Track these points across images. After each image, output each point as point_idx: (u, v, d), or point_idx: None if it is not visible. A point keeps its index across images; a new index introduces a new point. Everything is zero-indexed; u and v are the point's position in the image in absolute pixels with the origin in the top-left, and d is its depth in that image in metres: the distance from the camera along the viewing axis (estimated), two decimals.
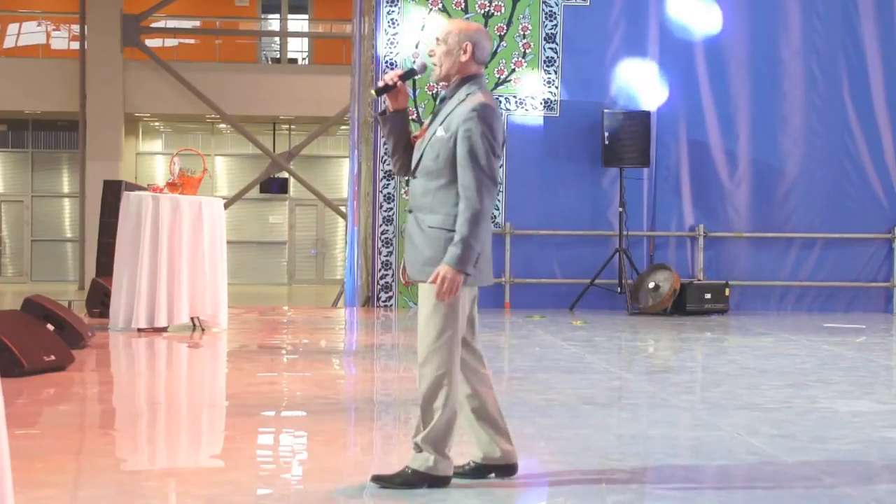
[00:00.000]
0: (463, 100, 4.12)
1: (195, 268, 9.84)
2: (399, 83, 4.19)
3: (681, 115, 13.37)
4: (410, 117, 4.28)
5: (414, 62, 4.28)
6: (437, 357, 4.07)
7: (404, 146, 4.27)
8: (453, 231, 4.05)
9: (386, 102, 4.26)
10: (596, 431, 5.41)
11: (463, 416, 4.24)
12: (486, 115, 4.05)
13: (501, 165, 13.13)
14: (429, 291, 4.10)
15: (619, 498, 4.12)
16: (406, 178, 4.28)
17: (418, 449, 4.12)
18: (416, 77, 4.34)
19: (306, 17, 25.90)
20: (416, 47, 13.03)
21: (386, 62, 13.09)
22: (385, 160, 13.04)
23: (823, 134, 13.43)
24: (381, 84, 4.22)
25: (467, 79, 4.17)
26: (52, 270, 24.70)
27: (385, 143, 4.39)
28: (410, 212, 4.20)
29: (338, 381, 7.65)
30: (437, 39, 4.20)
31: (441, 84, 4.24)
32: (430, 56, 4.23)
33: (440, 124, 4.14)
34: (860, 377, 7.53)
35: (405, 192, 13.00)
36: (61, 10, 24.39)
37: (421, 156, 4.16)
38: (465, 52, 4.15)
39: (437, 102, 4.26)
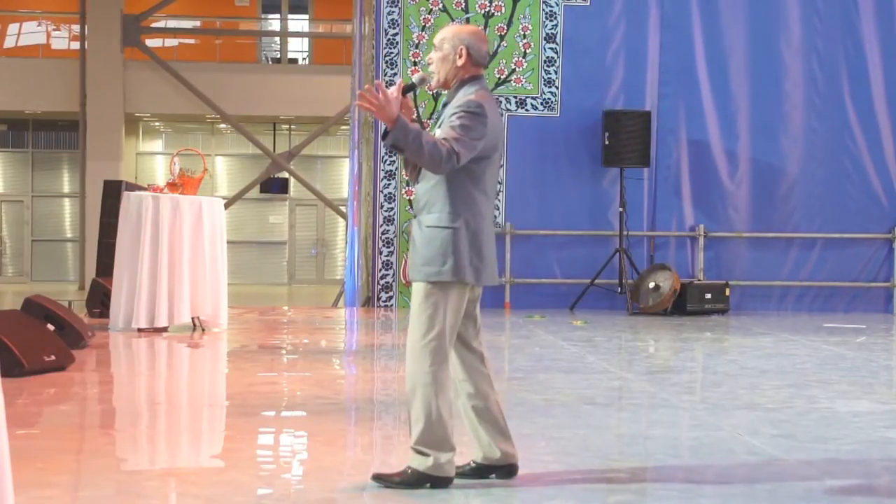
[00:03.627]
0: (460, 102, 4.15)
1: (195, 268, 9.84)
2: (400, 98, 4.22)
3: (681, 115, 13.37)
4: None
5: (412, 76, 4.29)
6: (421, 356, 4.07)
7: None
8: (448, 228, 4.06)
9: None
10: (596, 431, 5.41)
11: (465, 416, 4.24)
12: (471, 109, 4.06)
13: (502, 165, 13.14)
14: (420, 291, 4.11)
15: (619, 498, 4.12)
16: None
17: (417, 451, 4.12)
18: (416, 90, 4.35)
19: (306, 17, 25.89)
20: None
21: (386, 62, 13.10)
22: (385, 160, 13.06)
23: (823, 134, 13.43)
24: None
25: (466, 81, 4.20)
26: (53, 270, 24.70)
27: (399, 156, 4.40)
28: (415, 216, 4.21)
29: (338, 381, 7.66)
30: (434, 46, 4.23)
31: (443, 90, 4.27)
32: (429, 64, 4.26)
33: (438, 126, 4.17)
34: (860, 377, 7.53)
35: (406, 192, 13.01)
36: (61, 10, 24.38)
37: None
38: (460, 56, 4.18)
39: (441, 108, 4.27)
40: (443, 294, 4.08)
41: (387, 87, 4.17)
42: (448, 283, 4.07)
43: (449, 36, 4.21)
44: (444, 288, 4.08)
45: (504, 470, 4.27)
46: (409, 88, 4.25)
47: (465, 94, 4.15)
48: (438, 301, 4.07)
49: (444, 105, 4.27)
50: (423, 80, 4.30)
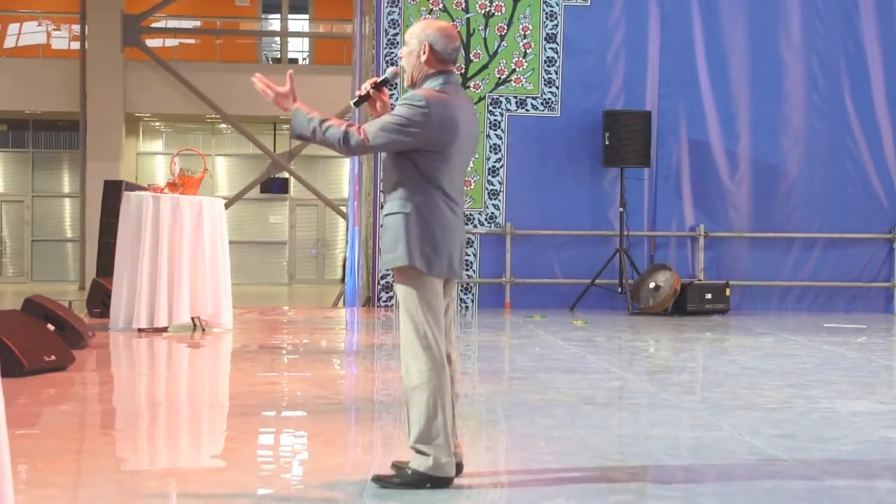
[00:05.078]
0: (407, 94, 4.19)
1: (196, 268, 9.84)
2: (373, 92, 4.27)
3: (681, 114, 13.37)
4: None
5: (385, 71, 4.37)
6: (417, 356, 4.08)
7: None
8: (398, 214, 4.11)
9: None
10: (596, 431, 5.40)
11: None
12: (411, 102, 4.08)
13: (502, 165, 13.14)
14: (398, 291, 4.15)
15: (619, 498, 4.12)
16: None
17: (417, 450, 4.11)
18: (389, 84, 4.38)
19: (307, 17, 25.90)
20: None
21: (387, 62, 13.10)
22: None
23: (824, 134, 13.43)
24: (357, 95, 4.29)
25: (430, 76, 4.22)
26: (53, 270, 24.70)
27: None
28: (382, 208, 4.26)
29: (338, 381, 7.65)
30: (404, 42, 4.27)
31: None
32: (401, 59, 4.30)
33: None
34: (861, 377, 7.53)
35: None
36: (61, 10, 24.38)
37: None
38: (424, 52, 4.21)
39: None
40: (412, 287, 4.10)
41: (378, 83, 4.23)
42: (411, 273, 4.08)
43: (416, 32, 4.25)
44: (411, 280, 4.10)
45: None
46: (382, 83, 4.31)
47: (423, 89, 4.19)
48: (413, 296, 4.09)
49: None
50: (396, 75, 4.35)
